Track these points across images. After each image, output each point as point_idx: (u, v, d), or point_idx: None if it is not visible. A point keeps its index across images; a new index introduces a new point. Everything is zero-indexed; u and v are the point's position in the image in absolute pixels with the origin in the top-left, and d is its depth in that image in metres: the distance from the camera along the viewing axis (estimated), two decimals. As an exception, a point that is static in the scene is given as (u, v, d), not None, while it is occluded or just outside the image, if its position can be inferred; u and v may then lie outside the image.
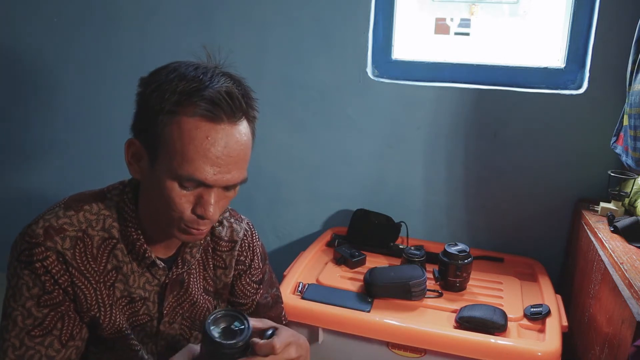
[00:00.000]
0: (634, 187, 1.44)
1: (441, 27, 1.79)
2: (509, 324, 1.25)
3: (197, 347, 0.73)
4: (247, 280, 0.99)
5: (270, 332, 0.74)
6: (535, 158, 1.67)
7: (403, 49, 1.78)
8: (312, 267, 1.53)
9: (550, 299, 1.37)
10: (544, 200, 1.69)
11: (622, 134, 1.37)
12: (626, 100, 1.31)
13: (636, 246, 1.21)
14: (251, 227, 1.01)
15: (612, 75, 1.52)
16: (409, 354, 1.25)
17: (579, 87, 1.62)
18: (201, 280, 0.93)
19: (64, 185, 2.13)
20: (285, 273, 1.46)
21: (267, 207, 1.96)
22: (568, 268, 1.61)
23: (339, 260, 1.55)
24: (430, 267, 1.48)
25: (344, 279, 1.45)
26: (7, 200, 2.24)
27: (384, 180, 1.82)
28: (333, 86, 1.79)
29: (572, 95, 1.60)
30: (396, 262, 1.56)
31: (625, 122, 1.31)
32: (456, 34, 1.78)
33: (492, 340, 1.18)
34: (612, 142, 1.44)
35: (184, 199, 0.75)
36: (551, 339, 1.19)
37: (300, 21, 1.77)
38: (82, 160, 2.11)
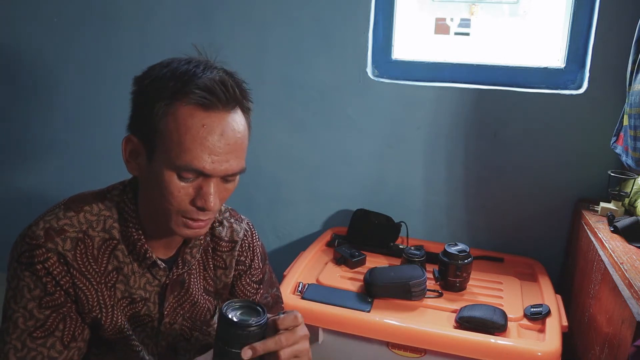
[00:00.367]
0: (634, 187, 1.44)
1: (441, 27, 1.79)
2: (509, 324, 1.26)
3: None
4: (247, 280, 0.99)
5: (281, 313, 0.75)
6: (535, 158, 1.67)
7: (403, 49, 1.78)
8: (312, 267, 1.53)
9: (550, 299, 1.37)
10: (544, 200, 1.69)
11: (622, 134, 1.37)
12: (626, 100, 1.31)
13: (636, 246, 1.21)
14: (251, 227, 1.01)
15: (612, 75, 1.52)
16: (409, 354, 1.25)
17: (579, 87, 1.62)
18: (201, 280, 0.93)
19: (64, 185, 2.13)
20: (285, 273, 1.46)
21: (267, 207, 1.96)
22: (568, 268, 1.61)
23: (339, 260, 1.55)
24: (430, 267, 1.48)
25: (344, 279, 1.46)
26: (7, 200, 2.23)
27: (384, 180, 1.82)
28: (333, 86, 1.79)
29: (572, 95, 1.60)
30: (396, 262, 1.56)
31: (625, 122, 1.31)
32: (456, 34, 1.78)
33: (492, 340, 1.19)
34: (612, 142, 1.44)
35: (182, 192, 0.75)
36: (551, 339, 1.19)
37: (300, 21, 1.77)
38: (82, 160, 2.11)
